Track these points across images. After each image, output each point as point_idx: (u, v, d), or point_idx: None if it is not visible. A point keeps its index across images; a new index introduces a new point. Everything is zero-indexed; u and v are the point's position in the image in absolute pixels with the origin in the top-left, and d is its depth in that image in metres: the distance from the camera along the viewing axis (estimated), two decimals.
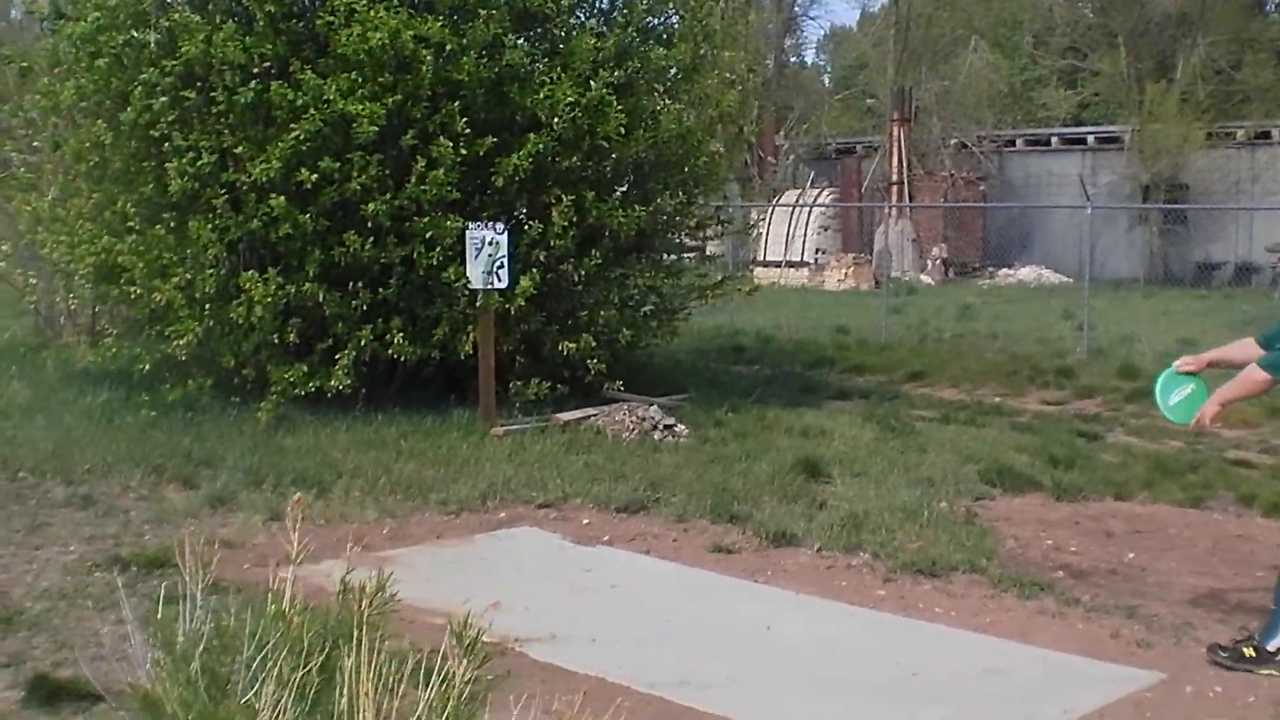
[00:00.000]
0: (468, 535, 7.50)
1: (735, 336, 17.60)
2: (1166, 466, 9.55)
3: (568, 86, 10.72)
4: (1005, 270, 34.12)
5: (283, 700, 3.11)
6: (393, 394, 11.09)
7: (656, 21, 12.37)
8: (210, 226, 10.26)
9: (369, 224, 10.37)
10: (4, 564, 6.56)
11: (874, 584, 6.61)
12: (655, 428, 10.30)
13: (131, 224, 10.79)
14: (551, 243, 10.90)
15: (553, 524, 7.79)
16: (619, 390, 11.40)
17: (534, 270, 10.75)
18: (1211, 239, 32.94)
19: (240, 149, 10.30)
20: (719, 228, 15.02)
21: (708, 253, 15.01)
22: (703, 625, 5.93)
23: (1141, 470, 9.46)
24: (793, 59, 52.24)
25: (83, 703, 4.64)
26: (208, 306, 10.37)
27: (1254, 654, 5.32)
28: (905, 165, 35.97)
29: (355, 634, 3.42)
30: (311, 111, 10.03)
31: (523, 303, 10.61)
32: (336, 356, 10.37)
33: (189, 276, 10.29)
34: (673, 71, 12.12)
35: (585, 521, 7.83)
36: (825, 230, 34.76)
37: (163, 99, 10.35)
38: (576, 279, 11.49)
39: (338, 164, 10.15)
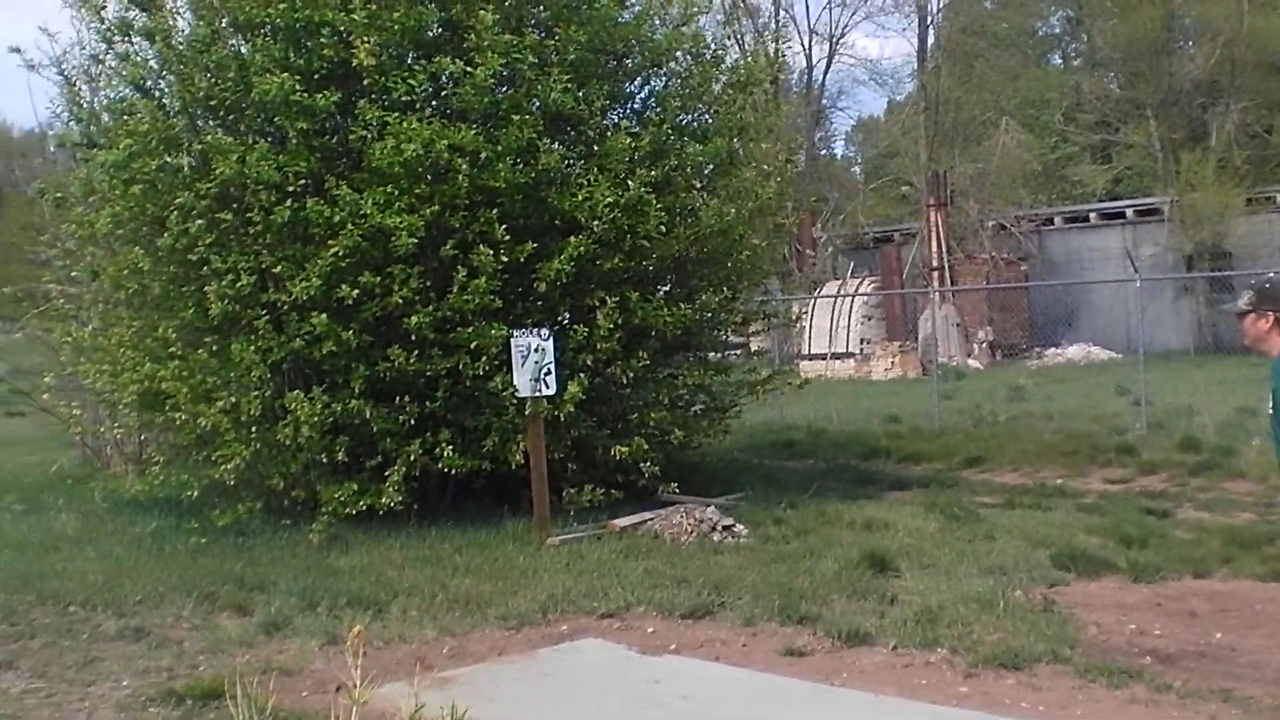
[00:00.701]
0: (530, 650, 7.31)
1: (786, 431, 17.43)
2: (1242, 540, 9.33)
3: (605, 187, 10.73)
4: (1053, 350, 33.82)
5: None
6: (445, 508, 10.98)
7: (690, 118, 12.41)
8: (253, 348, 10.26)
9: (412, 337, 10.34)
10: (56, 701, 6.44)
11: (955, 681, 6.39)
12: (714, 529, 10.12)
13: (173, 349, 10.79)
14: (597, 345, 10.83)
15: (616, 634, 7.60)
16: (674, 492, 11.24)
17: (581, 374, 10.68)
18: None
19: (279, 268, 10.32)
20: (764, 322, 14.93)
21: (753, 348, 14.92)
22: None
23: (1217, 545, 9.25)
24: (823, 151, 52.71)
25: None
26: (254, 429, 10.32)
27: None
28: (945, 249, 35.90)
29: None
30: (349, 227, 10.06)
31: (572, 408, 10.51)
32: (386, 473, 10.29)
33: (233, 399, 10.26)
34: (709, 167, 12.12)
35: (650, 630, 7.63)
36: (869, 320, 34.67)
37: (199, 222, 10.42)
38: (624, 381, 11.40)
39: (378, 278, 10.15)
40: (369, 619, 7.80)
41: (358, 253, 10.11)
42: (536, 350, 10.21)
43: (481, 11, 10.49)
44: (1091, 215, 37.90)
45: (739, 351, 14.51)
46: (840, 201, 44.01)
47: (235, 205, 10.54)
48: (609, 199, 10.69)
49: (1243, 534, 9.54)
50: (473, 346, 10.37)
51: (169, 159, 10.76)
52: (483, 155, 10.43)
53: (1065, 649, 6.71)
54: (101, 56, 12.55)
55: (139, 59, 11.74)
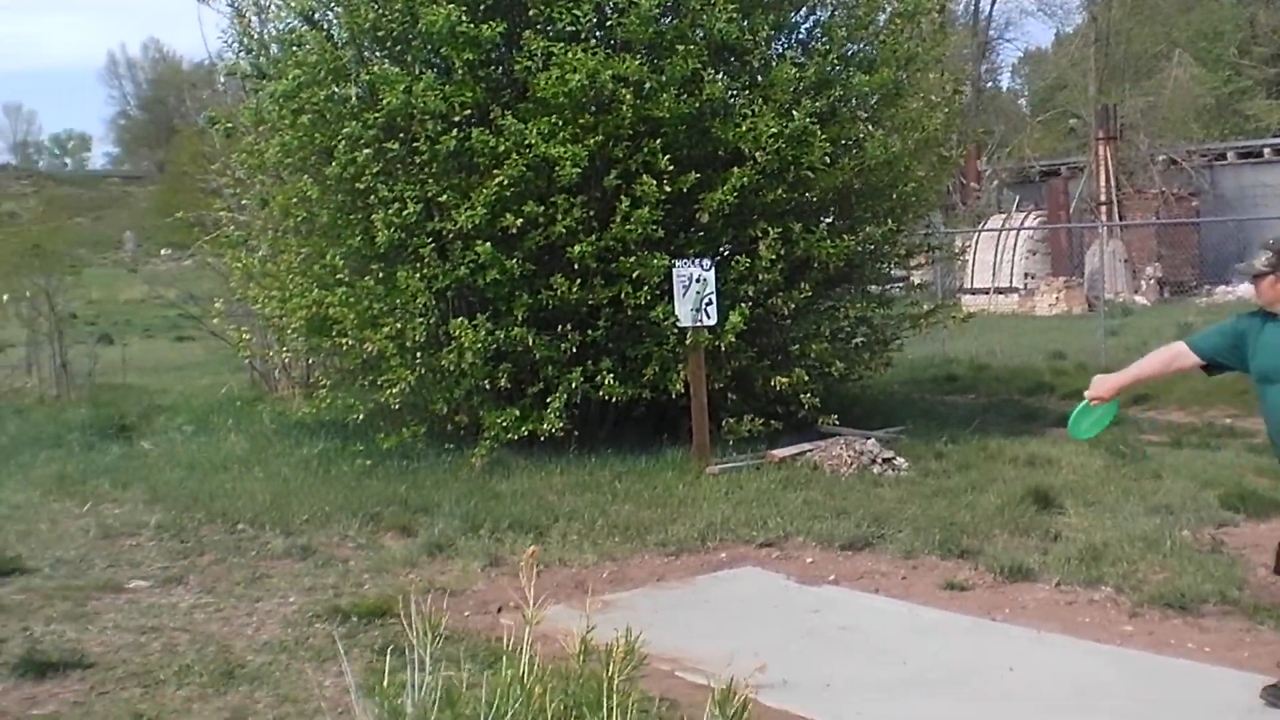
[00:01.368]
0: (688, 577, 7.44)
1: (948, 366, 17.23)
2: None
3: (770, 118, 10.68)
4: (1223, 287, 32.64)
5: None
6: (604, 435, 11.15)
7: (856, 47, 12.24)
8: (418, 275, 10.49)
9: (575, 266, 10.47)
10: (224, 616, 6.71)
11: (1119, 619, 6.33)
12: (874, 462, 10.11)
13: (340, 276, 11.10)
14: (759, 276, 10.84)
15: (775, 563, 7.68)
16: (833, 424, 11.24)
17: (742, 305, 10.72)
18: None
19: (444, 197, 10.50)
20: (927, 255, 14.75)
21: (915, 282, 14.75)
22: (941, 668, 5.71)
23: None
24: (989, 84, 51.41)
25: None
26: (418, 355, 10.59)
27: None
28: (1113, 184, 34.85)
29: (605, 703, 3.29)
30: (514, 157, 10.19)
31: (732, 338, 10.57)
32: (547, 400, 10.48)
33: (399, 326, 10.53)
34: (874, 98, 11.95)
35: (809, 560, 7.69)
36: (1033, 254, 33.90)
37: (366, 151, 10.62)
38: (785, 312, 11.40)
39: (542, 208, 10.28)
40: (530, 542, 7.99)
41: (522, 182, 10.24)
42: (698, 280, 10.27)
43: None
44: (1265, 150, 36.41)
45: (901, 285, 14.34)
46: (1006, 134, 42.98)
47: (401, 135, 10.71)
48: (773, 130, 10.64)
49: None
50: (634, 276, 10.47)
51: (337, 89, 10.98)
52: (647, 85, 10.47)
53: (1233, 590, 6.57)
54: None
55: None
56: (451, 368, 10.47)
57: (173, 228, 20.54)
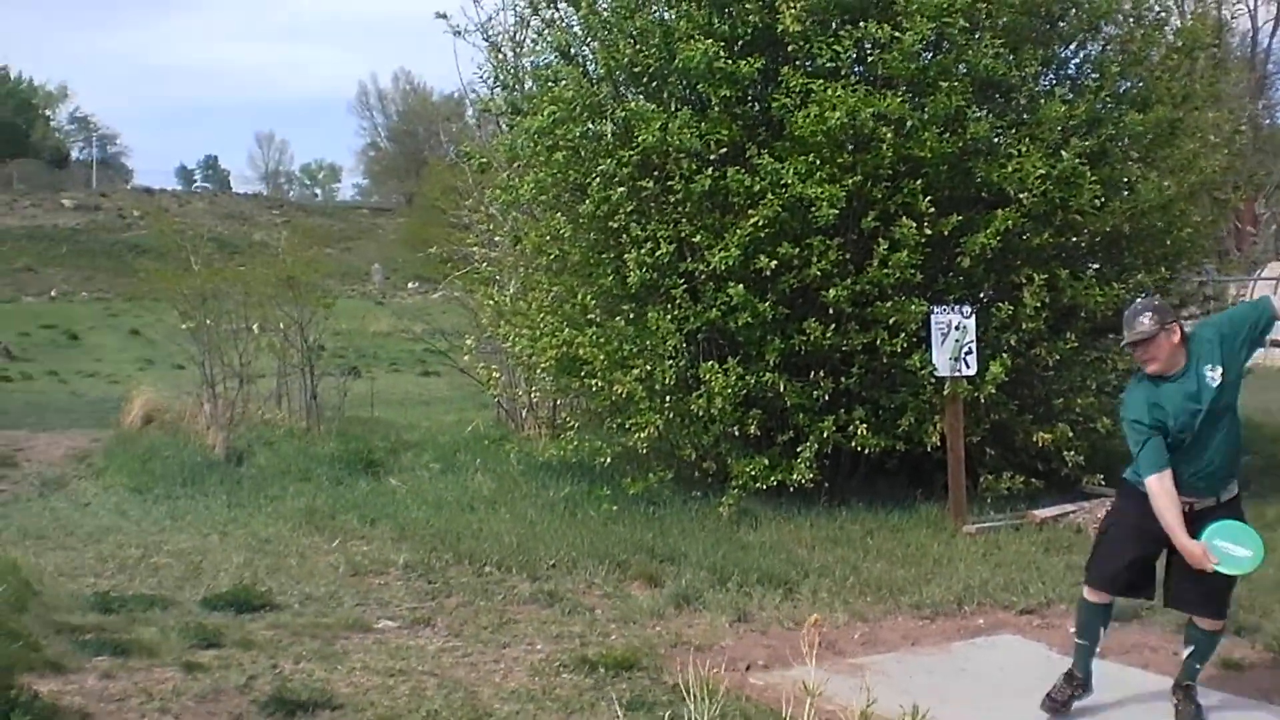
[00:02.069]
0: (944, 642, 7.30)
1: None
2: None
3: (1036, 158, 10.46)
4: None
5: None
6: (855, 487, 11.06)
7: (1129, 84, 11.89)
8: (669, 317, 10.63)
9: (829, 310, 10.44)
10: (471, 661, 6.81)
11: None
12: None
13: (591, 316, 11.32)
14: (1022, 325, 10.60)
15: (1036, 632, 7.48)
16: (1098, 485, 10.88)
17: (1003, 355, 10.49)
18: None
19: (698, 237, 10.62)
20: (1202, 304, 14.14)
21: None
22: None
23: None
24: (1266, 121, 49.05)
25: None
26: (667, 398, 10.72)
27: None
28: None
29: None
30: (769, 196, 10.24)
31: (992, 390, 10.35)
32: (798, 449, 10.45)
33: (648, 368, 10.67)
34: (1148, 137, 11.56)
35: (1071, 629, 7.44)
36: None
37: (620, 189, 10.83)
38: (1049, 363, 11.11)
39: (796, 249, 10.29)
40: (779, 598, 7.98)
41: (777, 223, 10.28)
42: (957, 328, 10.11)
43: None
44: None
45: None
46: None
47: (656, 173, 10.87)
48: (1040, 170, 10.42)
49: None
50: (891, 322, 10.37)
51: (592, 126, 11.17)
52: (908, 124, 10.39)
53: None
54: (527, 21, 13.32)
55: (563, 25, 12.35)
56: (700, 413, 10.56)
57: (421, 261, 21.34)
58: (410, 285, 57.66)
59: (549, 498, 11.30)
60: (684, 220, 10.74)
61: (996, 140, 10.92)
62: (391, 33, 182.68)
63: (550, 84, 11.82)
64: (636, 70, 11.21)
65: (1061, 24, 11.88)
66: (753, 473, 10.41)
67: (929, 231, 10.28)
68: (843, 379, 10.61)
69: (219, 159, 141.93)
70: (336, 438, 14.85)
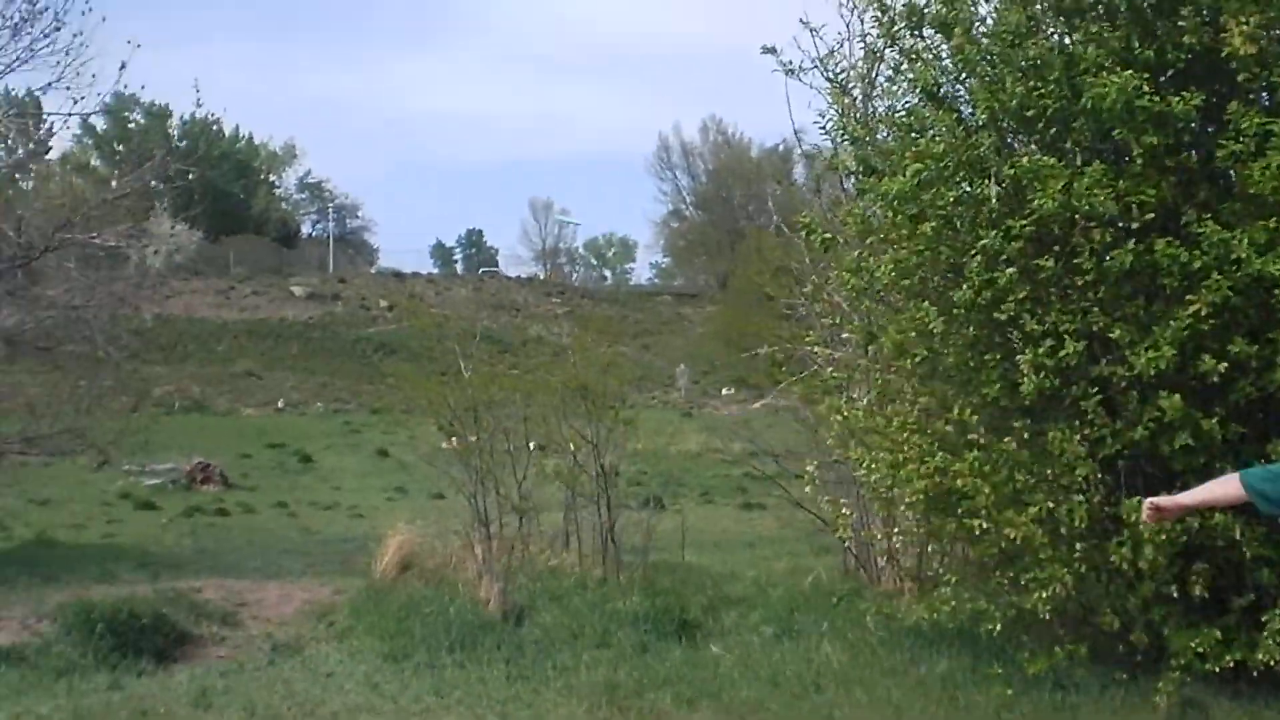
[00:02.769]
0: None
1: None
2: None
3: None
4: None
5: None
6: None
7: None
8: (1077, 437, 10.50)
9: None
10: None
11: None
12: None
13: (972, 436, 11.25)
14: None
15: None
16: None
17: None
18: None
19: (1116, 332, 10.46)
20: None
21: None
22: None
23: None
24: None
25: None
26: (1077, 545, 10.56)
27: None
28: None
29: None
30: (1215, 276, 10.04)
31: None
32: (1263, 617, 10.13)
33: (1050, 505, 10.54)
34: None
35: None
36: None
37: (1009, 270, 10.74)
38: None
39: (1255, 346, 10.06)
40: None
41: (1226, 311, 10.08)
42: None
43: None
44: None
45: None
46: None
47: (1057, 248, 10.76)
48: None
49: None
50: None
51: (969, 188, 11.11)
52: None
53: None
54: (880, 54, 13.47)
55: (931, 58, 12.34)
56: (1124, 565, 10.36)
57: (741, 363, 21.66)
58: (725, 392, 58.46)
59: (919, 675, 11.24)
60: (1096, 309, 10.59)
61: None
62: (700, 72, 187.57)
63: (914, 134, 11.87)
64: (1029, 114, 11.14)
65: None
66: (1199, 649, 10.11)
67: None
68: None
69: (484, 234, 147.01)
70: (640, 590, 15.06)
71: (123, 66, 15.36)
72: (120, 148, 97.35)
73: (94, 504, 29.62)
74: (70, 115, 16.25)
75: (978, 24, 11.93)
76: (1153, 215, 10.61)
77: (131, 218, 17.31)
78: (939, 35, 12.22)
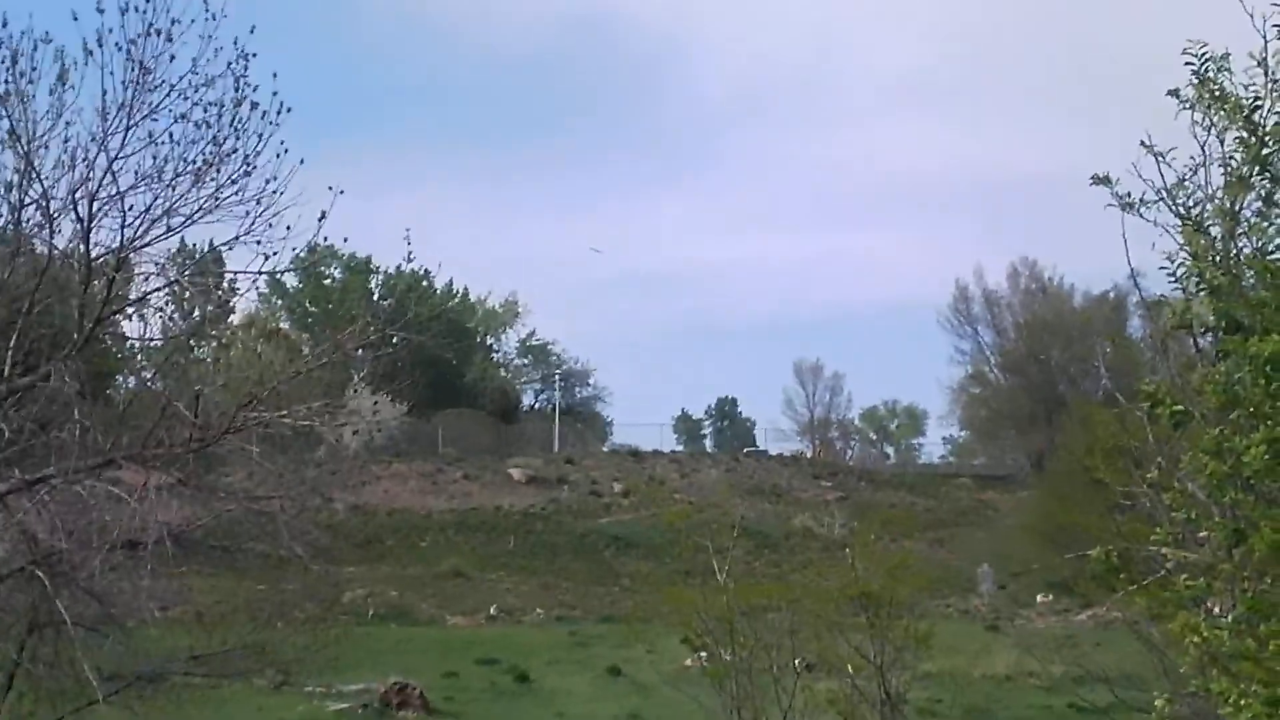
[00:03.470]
0: None
1: None
2: None
3: None
4: None
5: None
6: None
7: None
8: None
9: None
10: None
11: None
12: None
13: None
14: None
15: None
16: None
17: None
18: None
19: None
20: None
21: None
22: None
23: None
24: None
25: None
26: None
27: None
28: None
29: None
30: None
31: None
32: None
33: None
34: None
35: None
36: None
37: None
38: None
39: None
40: None
41: None
42: None
43: None
44: None
45: None
46: None
47: None
48: None
49: None
50: None
51: None
52: None
53: None
54: (1249, 179, 13.18)
55: None
56: None
57: (1062, 564, 21.21)
58: (1041, 599, 57.50)
59: None
60: None
61: None
62: (1005, 208, 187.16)
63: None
64: None
65: None
66: None
67: None
68: None
69: (738, 403, 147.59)
70: None
71: (323, 217, 15.45)
72: (314, 309, 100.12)
73: None
74: (260, 274, 16.46)
75: None
76: None
77: (327, 391, 17.48)
78: None
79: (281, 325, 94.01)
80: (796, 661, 18.90)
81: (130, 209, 15.73)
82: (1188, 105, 12.95)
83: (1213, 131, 13.37)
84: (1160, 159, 14.16)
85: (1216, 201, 13.70)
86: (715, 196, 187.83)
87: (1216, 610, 13.58)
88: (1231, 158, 12.97)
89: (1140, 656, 17.52)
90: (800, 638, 18.24)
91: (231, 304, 20.53)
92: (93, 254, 15.88)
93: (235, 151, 15.66)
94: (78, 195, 15.61)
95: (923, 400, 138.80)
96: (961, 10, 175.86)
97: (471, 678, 41.13)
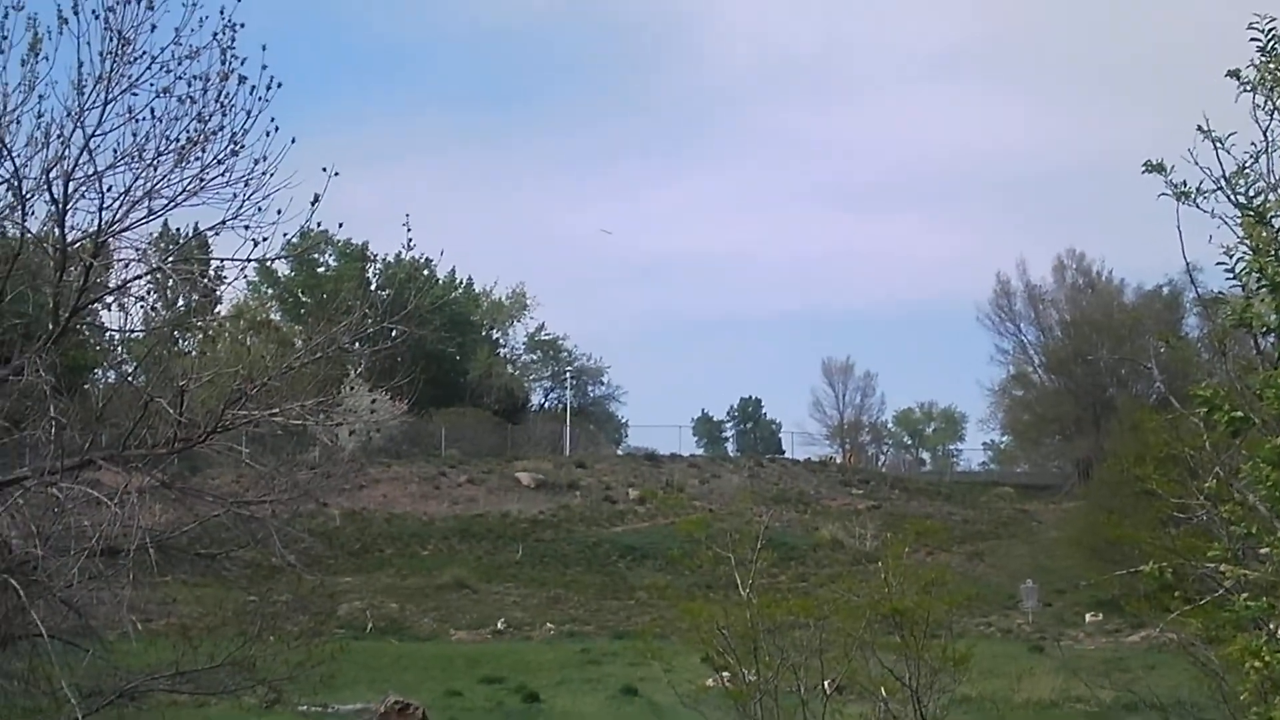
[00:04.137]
0: None
1: None
2: None
3: None
4: None
5: None
6: None
7: None
8: None
9: None
10: None
11: None
12: None
13: None
14: None
15: None
16: None
17: None
18: None
19: None
20: None
21: None
22: None
23: None
24: None
25: None
26: None
27: None
28: None
29: None
30: None
31: None
32: None
33: None
34: None
35: None
36: None
37: None
38: None
39: None
40: None
41: None
42: None
43: None
44: None
45: None
46: None
47: None
48: None
49: None
50: None
51: None
52: None
53: None
54: None
55: None
56: None
57: (1112, 581, 21.17)
58: (1089, 618, 57.42)
59: None
60: None
61: None
62: (1051, 197, 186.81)
63: None
64: None
65: None
66: None
67: None
68: None
69: (762, 404, 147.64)
70: None
71: (315, 201, 15.31)
72: (307, 299, 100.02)
73: None
74: (249, 261, 16.32)
75: None
76: None
77: (320, 388, 17.37)
78: None
79: (272, 316, 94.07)
80: (825, 683, 18.84)
81: (109, 190, 15.62)
82: (1249, 87, 12.90)
83: (1276, 115, 13.33)
84: (1219, 145, 14.10)
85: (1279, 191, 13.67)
86: (737, 180, 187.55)
87: (1279, 632, 13.53)
88: None
89: (1196, 682, 17.48)
90: (829, 658, 18.18)
91: (218, 293, 20.47)
92: (68, 238, 15.80)
93: (222, 129, 15.55)
94: (52, 175, 15.52)
95: (961, 403, 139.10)
96: None
97: (476, 697, 41.10)
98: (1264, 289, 12.87)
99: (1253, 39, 12.67)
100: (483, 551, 75.21)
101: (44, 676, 18.11)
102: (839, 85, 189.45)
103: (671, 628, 21.34)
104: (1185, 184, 13.76)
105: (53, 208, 15.69)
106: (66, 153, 15.40)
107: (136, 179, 15.60)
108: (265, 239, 15.78)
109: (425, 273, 52.27)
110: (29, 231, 16.18)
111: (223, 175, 15.64)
